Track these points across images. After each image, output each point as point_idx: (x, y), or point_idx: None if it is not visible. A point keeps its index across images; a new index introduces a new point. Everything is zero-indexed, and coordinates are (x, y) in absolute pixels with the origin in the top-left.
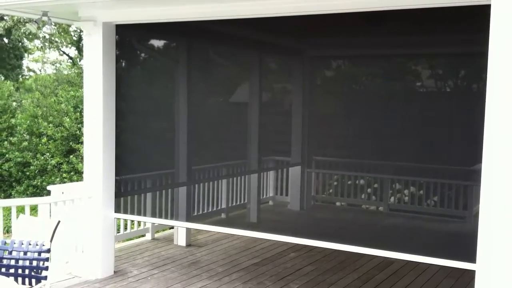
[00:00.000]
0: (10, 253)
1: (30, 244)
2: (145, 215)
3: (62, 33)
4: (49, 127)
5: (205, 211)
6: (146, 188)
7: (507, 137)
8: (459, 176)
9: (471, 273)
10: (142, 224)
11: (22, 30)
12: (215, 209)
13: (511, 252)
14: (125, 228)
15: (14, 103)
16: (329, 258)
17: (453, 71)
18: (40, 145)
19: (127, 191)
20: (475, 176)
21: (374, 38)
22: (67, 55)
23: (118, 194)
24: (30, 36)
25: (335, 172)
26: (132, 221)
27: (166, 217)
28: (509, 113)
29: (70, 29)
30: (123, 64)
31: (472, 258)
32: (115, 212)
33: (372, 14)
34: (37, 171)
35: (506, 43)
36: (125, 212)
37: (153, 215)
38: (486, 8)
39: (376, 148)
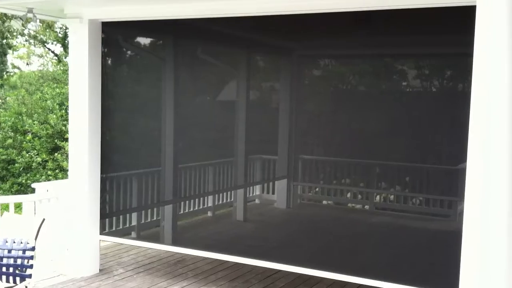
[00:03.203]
0: None
1: (14, 242)
2: (130, 214)
3: (47, 30)
4: (34, 124)
5: (191, 209)
6: (132, 208)
7: (491, 137)
8: (444, 175)
9: None
10: (127, 222)
11: (5, 25)
12: (201, 207)
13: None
14: (111, 227)
15: None
16: None
17: (439, 72)
18: (25, 142)
19: (113, 212)
20: (460, 175)
21: (362, 38)
22: (52, 52)
23: (104, 215)
24: (14, 34)
25: (321, 185)
26: (118, 219)
27: (151, 217)
28: (492, 113)
29: (56, 25)
30: (109, 61)
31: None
32: (100, 213)
33: (360, 14)
34: (22, 168)
35: (491, 44)
36: (110, 209)
37: (139, 217)
38: (472, 9)
39: (363, 147)
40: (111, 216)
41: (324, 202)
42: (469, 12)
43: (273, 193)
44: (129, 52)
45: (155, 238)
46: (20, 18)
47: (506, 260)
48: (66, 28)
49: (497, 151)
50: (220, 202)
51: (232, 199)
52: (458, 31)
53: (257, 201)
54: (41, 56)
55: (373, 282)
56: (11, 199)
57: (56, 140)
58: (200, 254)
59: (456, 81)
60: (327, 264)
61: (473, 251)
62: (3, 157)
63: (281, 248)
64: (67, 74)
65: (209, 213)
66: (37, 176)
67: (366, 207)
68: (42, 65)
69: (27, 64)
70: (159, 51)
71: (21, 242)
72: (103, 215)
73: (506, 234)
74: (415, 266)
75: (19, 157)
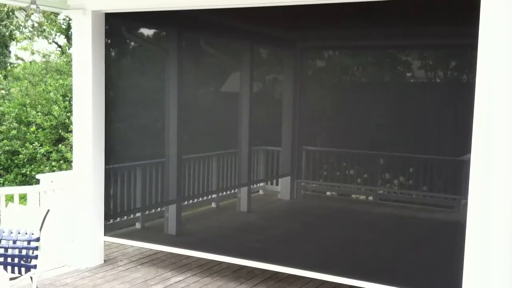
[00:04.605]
0: None
1: (19, 233)
2: (134, 208)
3: (50, 21)
4: (38, 115)
5: (196, 200)
6: (136, 209)
7: (495, 128)
8: (447, 166)
9: None
10: (132, 213)
11: (11, 19)
12: (205, 198)
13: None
14: (115, 218)
15: (3, 91)
16: None
17: (444, 63)
18: (29, 134)
19: (117, 212)
20: (464, 166)
21: (365, 29)
22: (56, 43)
23: (108, 215)
24: (18, 26)
25: (324, 183)
26: (122, 209)
27: (156, 208)
28: (497, 105)
29: (59, 17)
30: (113, 53)
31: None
32: (105, 205)
33: (364, 5)
34: (26, 159)
35: (495, 35)
36: (115, 202)
37: (143, 210)
38: (477, 0)
39: (366, 138)
40: (115, 216)
41: (328, 193)
42: (474, 3)
43: (277, 184)
44: (132, 43)
45: (160, 229)
46: (24, 10)
47: (510, 252)
48: (70, 19)
49: (501, 142)
50: (224, 193)
51: (236, 190)
52: (463, 22)
53: (261, 192)
54: (44, 55)
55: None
56: (16, 190)
57: (60, 131)
58: (205, 256)
59: (461, 72)
60: (328, 267)
61: (477, 242)
62: (7, 148)
63: (283, 247)
64: (71, 65)
65: (213, 204)
66: (41, 167)
67: (370, 198)
68: (45, 61)
69: (30, 63)
70: (163, 42)
71: (26, 233)
72: (108, 215)
73: (510, 224)
74: (415, 262)
75: (23, 148)
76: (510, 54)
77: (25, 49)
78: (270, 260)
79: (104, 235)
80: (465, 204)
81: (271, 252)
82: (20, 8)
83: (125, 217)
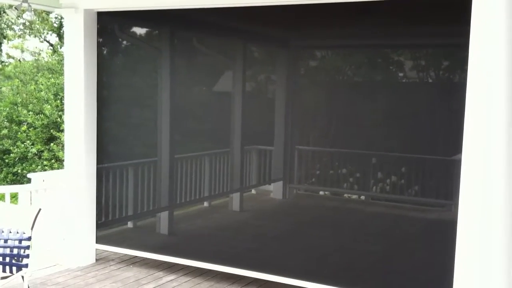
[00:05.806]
0: None
1: (10, 232)
2: (126, 215)
3: (42, 20)
4: (29, 114)
5: (188, 199)
6: (127, 216)
7: (486, 128)
8: (439, 166)
9: None
10: (124, 212)
11: (2, 18)
12: (198, 197)
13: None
14: (107, 216)
15: None
16: None
17: (436, 63)
18: (20, 133)
19: (109, 219)
20: (455, 166)
21: (358, 29)
22: (48, 41)
23: (100, 224)
24: (9, 24)
25: (315, 186)
26: (114, 208)
27: (147, 214)
28: (488, 104)
29: (51, 15)
30: (105, 52)
31: None
32: (97, 212)
33: (357, 5)
34: (17, 158)
35: (487, 35)
36: (106, 204)
37: (135, 211)
38: (468, 0)
39: (359, 138)
40: (107, 225)
41: (321, 192)
42: (466, 3)
43: (269, 183)
44: (124, 42)
45: (152, 229)
46: (16, 8)
47: (503, 252)
48: (62, 18)
49: (492, 142)
50: (217, 192)
51: (229, 190)
52: (455, 22)
53: (253, 191)
54: (33, 53)
55: None
56: (7, 189)
57: (51, 130)
58: (196, 264)
59: (452, 72)
60: (320, 274)
61: (468, 241)
62: None
63: (274, 251)
64: (62, 64)
65: (206, 204)
66: (33, 166)
67: (362, 197)
68: (35, 59)
69: (20, 60)
70: (155, 41)
71: (17, 232)
72: (99, 224)
73: (502, 225)
74: (406, 260)
75: (14, 147)
76: (501, 53)
77: (16, 47)
78: (261, 267)
79: (96, 242)
80: (456, 204)
81: (262, 258)
82: (12, 6)
83: (117, 216)
